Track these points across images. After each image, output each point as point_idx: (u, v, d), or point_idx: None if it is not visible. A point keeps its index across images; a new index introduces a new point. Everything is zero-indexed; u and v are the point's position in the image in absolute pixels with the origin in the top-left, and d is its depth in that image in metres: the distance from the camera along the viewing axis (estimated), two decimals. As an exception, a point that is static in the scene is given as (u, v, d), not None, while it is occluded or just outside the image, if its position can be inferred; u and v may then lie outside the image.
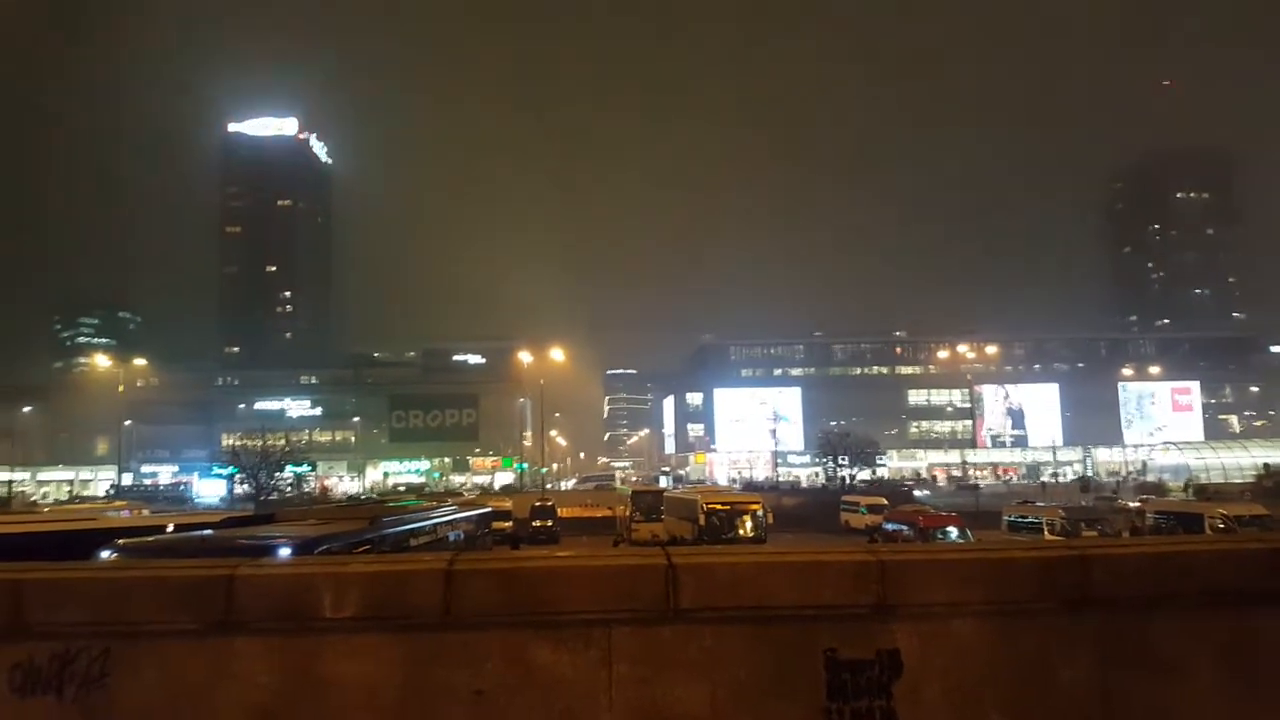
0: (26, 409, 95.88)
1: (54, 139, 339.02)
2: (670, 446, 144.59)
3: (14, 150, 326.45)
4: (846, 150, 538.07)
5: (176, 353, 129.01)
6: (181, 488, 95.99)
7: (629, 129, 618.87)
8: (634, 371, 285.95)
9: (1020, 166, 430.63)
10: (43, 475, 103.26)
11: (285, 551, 9.97)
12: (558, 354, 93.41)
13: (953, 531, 34.69)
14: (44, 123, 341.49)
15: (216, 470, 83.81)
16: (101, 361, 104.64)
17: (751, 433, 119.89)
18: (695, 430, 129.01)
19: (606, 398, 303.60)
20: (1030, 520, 38.40)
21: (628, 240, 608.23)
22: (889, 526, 38.50)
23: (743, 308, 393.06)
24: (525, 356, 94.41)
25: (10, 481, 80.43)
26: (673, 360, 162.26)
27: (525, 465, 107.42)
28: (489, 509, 24.89)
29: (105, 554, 9.51)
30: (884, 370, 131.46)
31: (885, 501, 52.14)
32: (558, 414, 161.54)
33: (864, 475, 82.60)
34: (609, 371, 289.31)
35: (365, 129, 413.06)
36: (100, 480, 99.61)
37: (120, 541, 10.05)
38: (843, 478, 79.02)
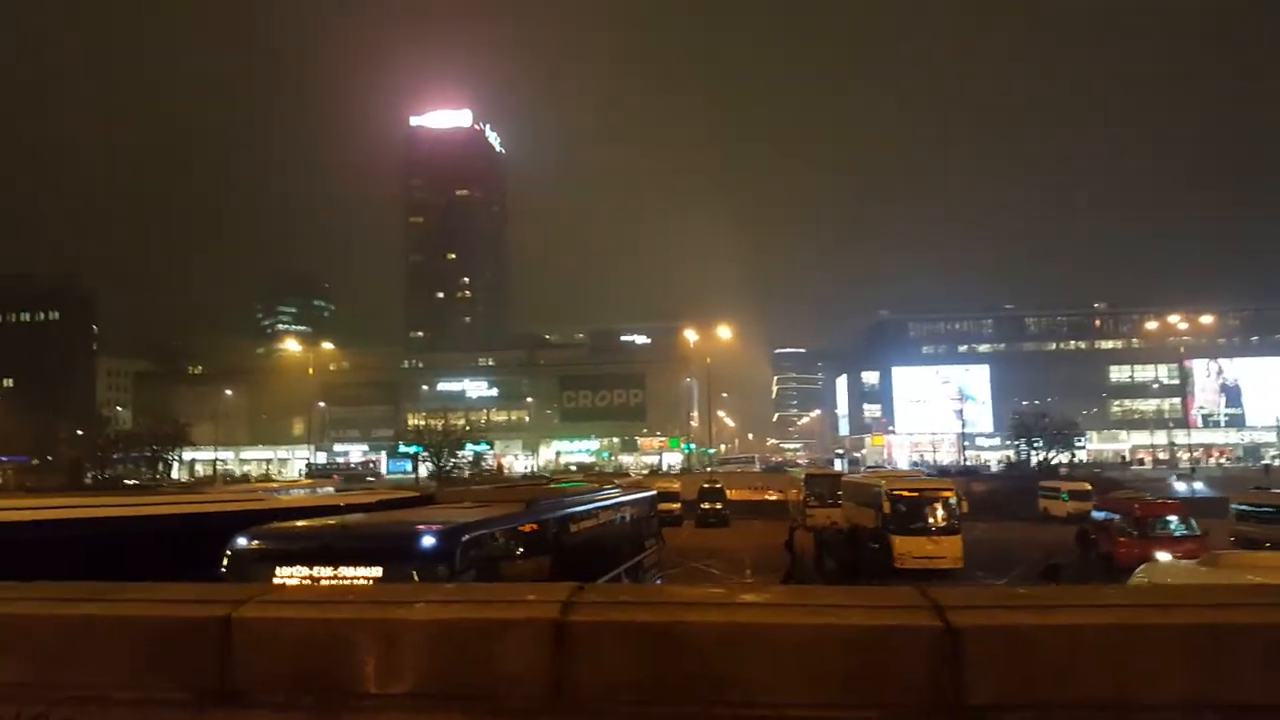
0: (229, 392, 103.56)
1: (260, 141, 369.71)
2: (844, 428, 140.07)
3: (221, 153, 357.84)
4: (1038, 108, 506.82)
5: (366, 337, 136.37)
6: (371, 465, 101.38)
7: (803, 106, 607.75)
8: (803, 350, 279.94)
9: (1231, 121, 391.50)
10: (245, 454, 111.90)
11: (429, 540, 8.89)
12: (724, 332, 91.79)
13: (1173, 520, 30.48)
14: (252, 127, 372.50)
15: (402, 449, 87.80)
16: (294, 347, 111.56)
17: (934, 414, 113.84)
18: (871, 411, 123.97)
19: (775, 377, 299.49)
20: (1268, 509, 33.17)
21: (797, 217, 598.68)
22: (1099, 515, 34.48)
23: (922, 281, 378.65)
24: (690, 335, 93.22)
25: (215, 460, 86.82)
26: (845, 338, 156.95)
27: (693, 446, 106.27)
28: (655, 491, 23.59)
29: (241, 541, 8.80)
30: (1082, 345, 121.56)
31: (1090, 487, 47.42)
32: (725, 394, 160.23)
33: (1062, 458, 76.08)
34: (777, 350, 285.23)
35: (537, 118, 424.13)
36: (296, 459, 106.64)
37: (260, 529, 9.29)
38: (1040, 461, 73.13)
